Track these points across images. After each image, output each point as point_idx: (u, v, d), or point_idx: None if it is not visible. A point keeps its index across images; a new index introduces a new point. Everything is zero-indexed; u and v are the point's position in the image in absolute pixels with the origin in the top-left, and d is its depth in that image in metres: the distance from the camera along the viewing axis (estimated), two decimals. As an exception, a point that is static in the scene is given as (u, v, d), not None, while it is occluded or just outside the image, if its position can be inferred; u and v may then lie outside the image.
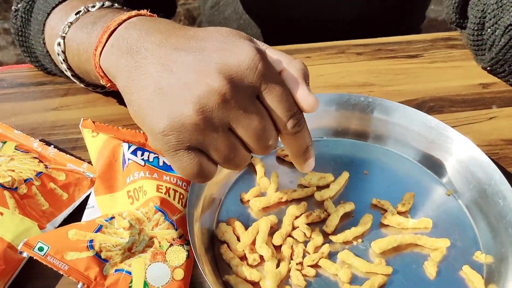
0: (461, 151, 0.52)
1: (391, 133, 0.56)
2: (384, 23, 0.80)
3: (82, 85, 0.57)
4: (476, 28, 0.63)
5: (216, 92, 0.34)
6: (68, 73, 0.54)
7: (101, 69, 0.44)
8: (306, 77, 0.39)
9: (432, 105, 0.62)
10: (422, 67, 0.68)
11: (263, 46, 0.41)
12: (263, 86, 0.36)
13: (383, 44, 0.71)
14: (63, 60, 0.52)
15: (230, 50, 0.36)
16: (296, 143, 0.39)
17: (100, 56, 0.43)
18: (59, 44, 0.51)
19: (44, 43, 0.56)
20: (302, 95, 0.38)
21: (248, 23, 0.86)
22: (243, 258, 0.47)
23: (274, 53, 0.40)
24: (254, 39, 0.40)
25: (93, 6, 0.50)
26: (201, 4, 0.99)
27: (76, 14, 0.50)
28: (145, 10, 0.46)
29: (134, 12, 0.45)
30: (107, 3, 0.51)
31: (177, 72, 0.36)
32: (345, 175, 0.53)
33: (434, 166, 0.54)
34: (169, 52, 0.37)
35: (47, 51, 0.56)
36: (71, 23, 0.50)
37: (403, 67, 0.68)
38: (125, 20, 0.43)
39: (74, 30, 0.50)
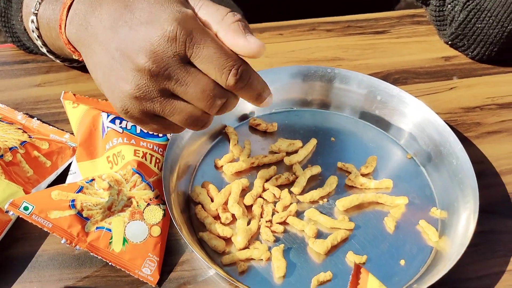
0: (418, 116, 0.56)
1: (356, 102, 0.60)
2: (360, 4, 0.83)
3: (58, 61, 0.60)
4: (437, 4, 0.67)
5: (143, 70, 0.37)
6: (44, 50, 0.56)
7: (71, 44, 0.46)
8: (243, 27, 0.39)
9: (397, 77, 0.66)
10: (388, 42, 0.71)
11: (197, 4, 0.40)
12: (189, 52, 0.37)
13: (352, 21, 0.74)
14: (38, 36, 0.54)
15: (152, 23, 0.37)
16: (246, 93, 0.40)
17: (65, 33, 0.46)
18: (32, 21, 0.53)
19: (22, 21, 0.58)
20: (242, 45, 0.38)
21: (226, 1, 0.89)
22: (217, 218, 0.50)
23: (207, 12, 0.40)
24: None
25: None
26: None
27: None
28: None
29: None
30: None
31: (112, 53, 0.38)
32: (313, 142, 0.57)
33: (395, 131, 0.58)
34: (106, 31, 0.39)
35: (25, 29, 0.58)
36: (41, 0, 0.53)
37: (371, 43, 0.71)
38: None
39: (44, 7, 0.52)
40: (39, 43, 0.55)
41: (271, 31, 0.72)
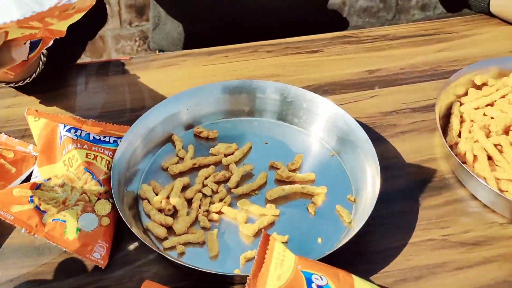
0: (330, 115, 0.65)
1: (285, 110, 0.68)
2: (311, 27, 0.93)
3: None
4: None
5: None
6: None
7: None
8: None
9: (326, 89, 0.75)
10: (321, 59, 0.81)
11: None
12: None
13: (290, 43, 0.84)
14: None
15: None
16: None
17: None
18: None
19: None
20: None
21: (186, 29, 0.99)
22: (161, 211, 0.58)
23: None
24: None
25: None
26: (150, 27, 1.13)
27: None
28: None
29: None
30: None
31: None
32: (248, 144, 0.65)
33: (316, 131, 0.67)
34: None
35: None
36: None
37: (306, 61, 0.81)
38: None
39: None
40: None
41: (218, 53, 0.82)
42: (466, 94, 0.70)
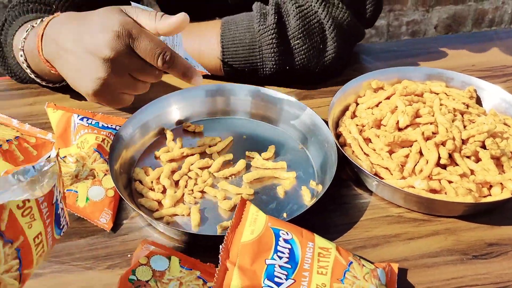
0: (302, 114, 0.78)
1: (249, 107, 0.81)
2: None
3: (43, 83, 0.81)
4: None
5: (108, 59, 0.59)
6: (33, 76, 0.78)
7: (48, 62, 0.68)
8: (166, 15, 0.60)
9: (306, 94, 0.88)
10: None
11: (134, 13, 0.61)
12: (132, 45, 0.59)
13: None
14: (27, 66, 0.76)
15: (105, 29, 0.58)
16: (174, 71, 0.62)
17: (43, 55, 0.68)
18: (21, 55, 0.75)
19: (14, 57, 0.80)
20: (169, 23, 0.59)
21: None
22: (151, 190, 0.69)
23: (142, 16, 0.61)
24: (126, 10, 0.61)
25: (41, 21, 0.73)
26: None
27: (26, 31, 0.74)
28: (58, 12, 0.71)
29: (46, 19, 0.68)
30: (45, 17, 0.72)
31: (81, 55, 0.61)
32: (229, 138, 0.77)
33: (290, 128, 0.79)
34: (72, 42, 0.62)
35: (17, 63, 0.80)
36: (25, 38, 0.74)
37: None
38: (45, 27, 0.67)
39: (27, 43, 0.74)
40: (28, 71, 0.77)
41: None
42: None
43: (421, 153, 0.69)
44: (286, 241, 0.55)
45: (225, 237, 0.54)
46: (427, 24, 2.42)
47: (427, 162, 0.68)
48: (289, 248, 0.54)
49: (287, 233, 0.56)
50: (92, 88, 0.61)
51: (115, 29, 0.59)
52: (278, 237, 0.55)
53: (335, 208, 0.68)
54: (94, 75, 0.60)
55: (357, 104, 0.82)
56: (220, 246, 0.53)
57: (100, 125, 0.71)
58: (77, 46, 0.61)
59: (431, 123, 0.72)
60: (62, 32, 0.63)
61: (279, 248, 0.54)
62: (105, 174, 0.66)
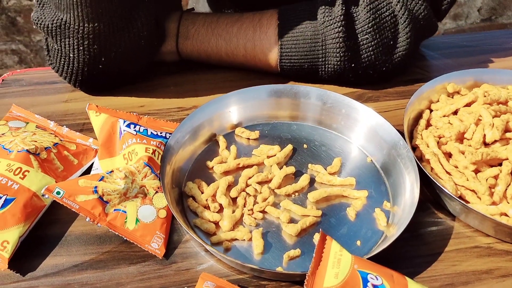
0: (369, 122, 0.69)
1: (318, 113, 0.72)
2: None
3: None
4: None
5: None
6: None
7: None
8: None
9: (370, 96, 0.79)
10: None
11: None
12: None
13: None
14: None
15: None
16: None
17: None
18: None
19: None
20: None
21: None
22: (206, 207, 0.61)
23: None
24: None
25: None
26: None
27: None
28: None
29: None
30: None
31: None
32: (289, 147, 0.69)
33: (359, 138, 0.70)
34: None
35: None
36: None
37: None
38: None
39: None
40: None
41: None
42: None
43: (513, 175, 0.61)
44: (375, 287, 0.47)
45: (305, 281, 0.47)
46: (470, 6, 2.27)
47: (523, 186, 0.59)
48: (379, 296, 0.46)
49: (376, 277, 0.48)
50: None
51: None
52: (367, 282, 0.47)
53: (413, 236, 0.60)
54: None
55: (431, 110, 0.73)
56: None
57: (149, 133, 0.62)
58: None
59: (525, 140, 0.63)
60: None
61: (368, 296, 0.46)
62: (156, 192, 0.59)
